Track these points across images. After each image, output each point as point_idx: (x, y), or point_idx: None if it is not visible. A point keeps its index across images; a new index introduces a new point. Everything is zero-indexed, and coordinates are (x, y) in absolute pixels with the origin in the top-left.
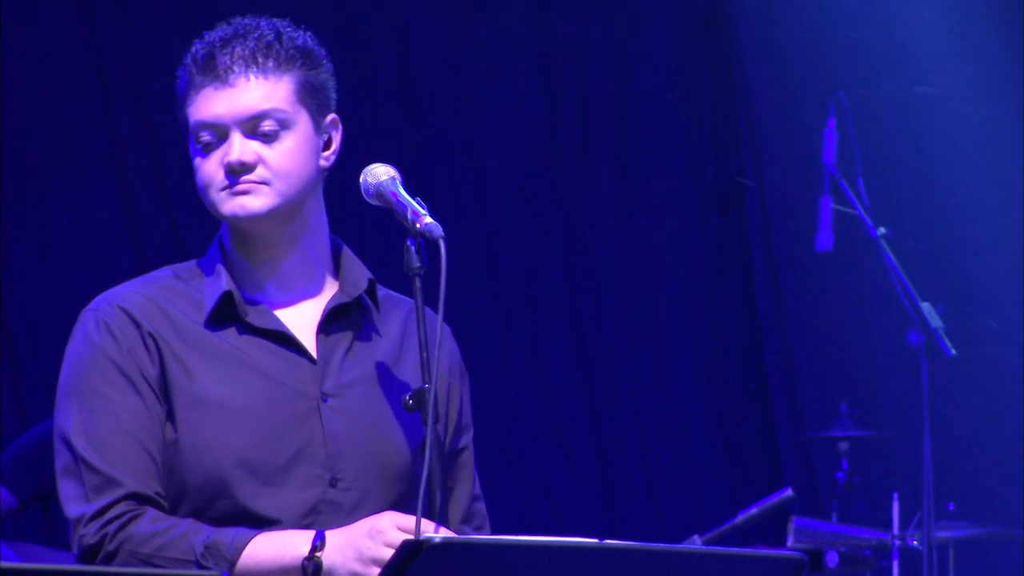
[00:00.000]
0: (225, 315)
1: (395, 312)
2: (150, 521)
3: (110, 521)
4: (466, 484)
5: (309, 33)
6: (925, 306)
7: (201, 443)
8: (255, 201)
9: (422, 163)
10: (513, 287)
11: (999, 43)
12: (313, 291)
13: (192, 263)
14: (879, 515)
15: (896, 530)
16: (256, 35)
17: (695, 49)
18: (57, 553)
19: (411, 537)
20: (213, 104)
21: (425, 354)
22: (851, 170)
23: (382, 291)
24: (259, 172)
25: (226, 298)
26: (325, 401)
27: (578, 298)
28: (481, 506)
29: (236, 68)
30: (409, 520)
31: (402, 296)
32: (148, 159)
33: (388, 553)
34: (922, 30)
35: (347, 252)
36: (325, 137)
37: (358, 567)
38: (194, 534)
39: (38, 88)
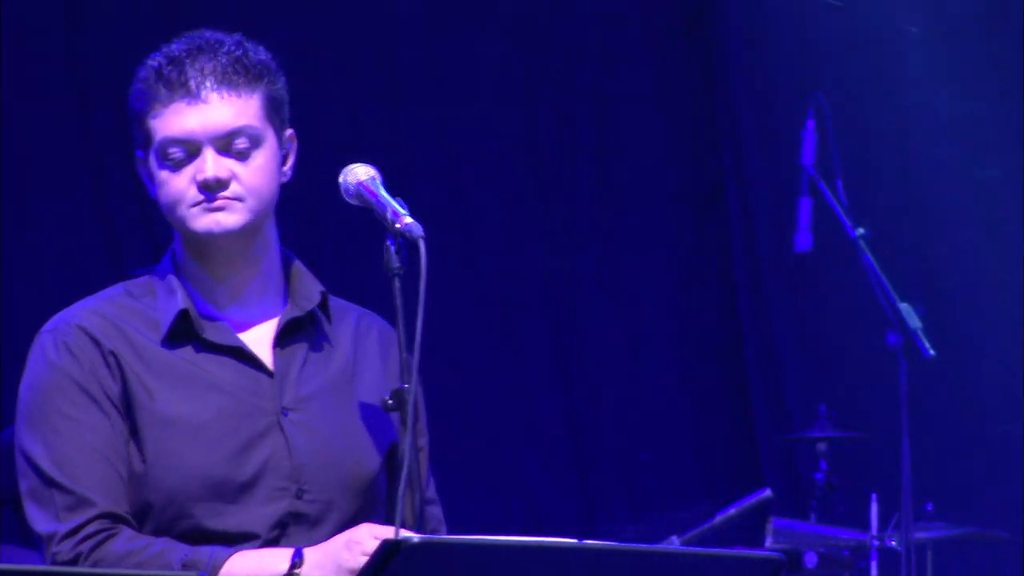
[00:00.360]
0: (182, 333)
1: (346, 321)
2: (125, 540)
3: (84, 539)
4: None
5: (262, 47)
6: (904, 307)
7: (165, 462)
8: (230, 218)
9: (402, 163)
10: (492, 287)
11: (984, 45)
12: (267, 305)
13: (144, 279)
14: (858, 516)
15: (875, 531)
16: (224, 50)
17: (676, 48)
18: (33, 554)
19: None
20: (185, 120)
21: (404, 355)
22: (831, 171)
23: (333, 301)
24: (233, 189)
25: (182, 316)
26: (285, 415)
27: (557, 298)
28: (436, 510)
29: (208, 84)
30: (386, 530)
31: (350, 304)
32: (125, 163)
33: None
34: (906, 31)
35: (298, 265)
36: (284, 152)
37: None
38: (170, 552)
39: (14, 91)
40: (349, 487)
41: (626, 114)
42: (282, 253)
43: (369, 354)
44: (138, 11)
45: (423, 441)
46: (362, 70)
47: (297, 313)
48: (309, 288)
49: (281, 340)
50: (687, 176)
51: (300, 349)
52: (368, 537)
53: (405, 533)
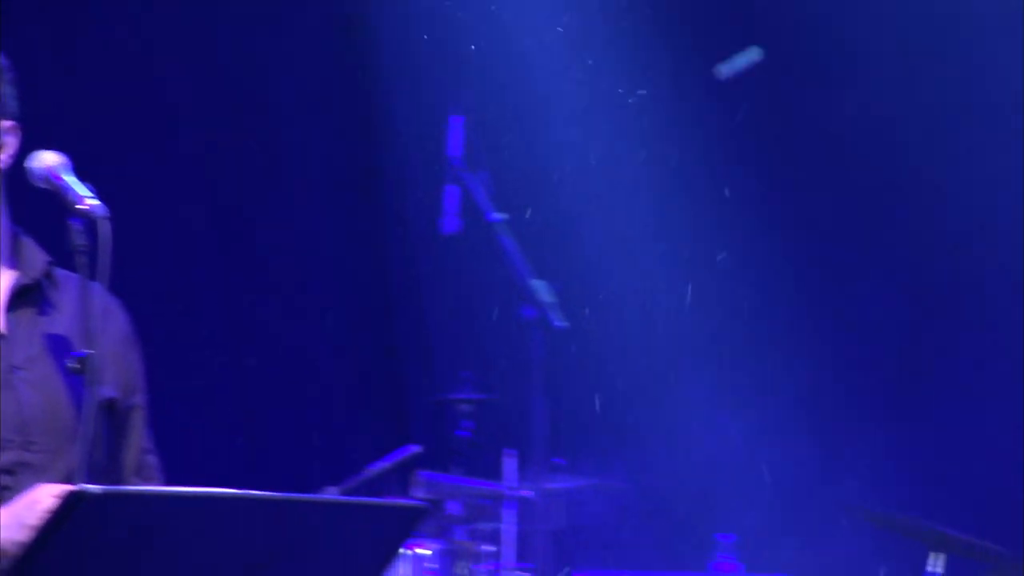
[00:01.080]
0: None
1: (71, 289)
2: None
3: None
4: (136, 439)
5: None
6: (538, 283)
7: None
8: None
9: (85, 149)
10: (170, 263)
11: (612, 44)
12: None
13: None
14: (497, 469)
15: (511, 482)
16: None
17: (336, 46)
18: None
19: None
20: None
21: (88, 324)
22: (475, 161)
23: (59, 272)
24: None
25: None
26: (16, 373)
27: (231, 274)
28: (153, 459)
29: None
30: (64, 488)
31: (74, 275)
32: None
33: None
34: (540, 33)
35: (26, 239)
36: (2, 142)
37: (20, 535)
38: None
39: None
40: (68, 439)
41: (290, 108)
42: (13, 229)
43: (90, 318)
44: None
45: (139, 398)
46: (43, 61)
47: (26, 281)
48: (36, 259)
49: (12, 305)
50: (347, 164)
51: (29, 313)
52: (46, 496)
53: (87, 486)
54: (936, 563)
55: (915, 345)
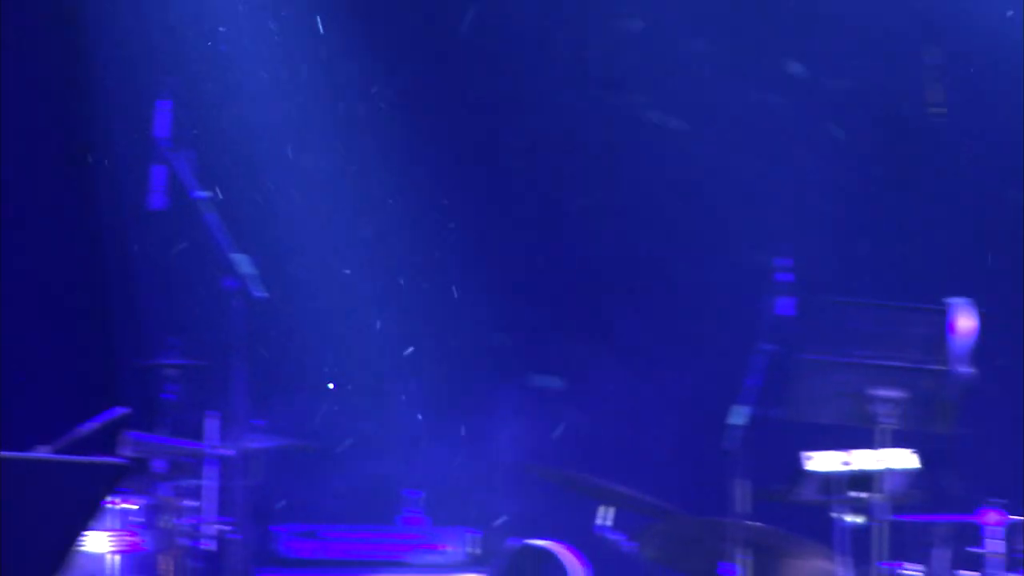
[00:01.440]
0: None
1: None
2: None
3: None
4: None
5: None
6: (238, 257)
7: None
8: None
9: None
10: None
11: (314, 35)
12: None
13: None
14: (200, 430)
15: (213, 441)
16: None
17: (51, 35)
18: None
19: None
20: None
21: None
22: (182, 143)
23: None
24: None
25: None
26: None
27: None
28: None
29: None
30: None
31: None
32: None
33: None
34: (247, 23)
35: None
36: None
37: None
38: None
39: None
40: None
41: (7, 91)
42: None
43: None
44: None
45: None
46: None
47: None
48: None
49: None
50: (63, 144)
51: None
52: None
53: None
54: (606, 516)
55: (591, 313)
